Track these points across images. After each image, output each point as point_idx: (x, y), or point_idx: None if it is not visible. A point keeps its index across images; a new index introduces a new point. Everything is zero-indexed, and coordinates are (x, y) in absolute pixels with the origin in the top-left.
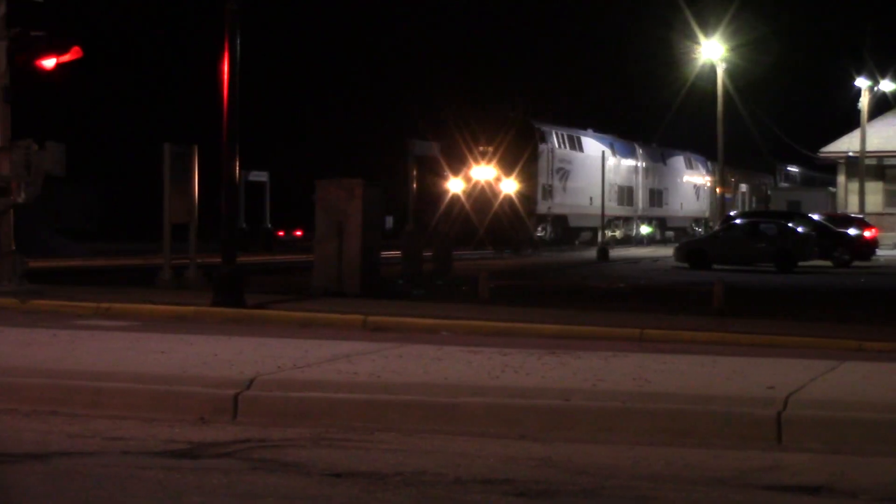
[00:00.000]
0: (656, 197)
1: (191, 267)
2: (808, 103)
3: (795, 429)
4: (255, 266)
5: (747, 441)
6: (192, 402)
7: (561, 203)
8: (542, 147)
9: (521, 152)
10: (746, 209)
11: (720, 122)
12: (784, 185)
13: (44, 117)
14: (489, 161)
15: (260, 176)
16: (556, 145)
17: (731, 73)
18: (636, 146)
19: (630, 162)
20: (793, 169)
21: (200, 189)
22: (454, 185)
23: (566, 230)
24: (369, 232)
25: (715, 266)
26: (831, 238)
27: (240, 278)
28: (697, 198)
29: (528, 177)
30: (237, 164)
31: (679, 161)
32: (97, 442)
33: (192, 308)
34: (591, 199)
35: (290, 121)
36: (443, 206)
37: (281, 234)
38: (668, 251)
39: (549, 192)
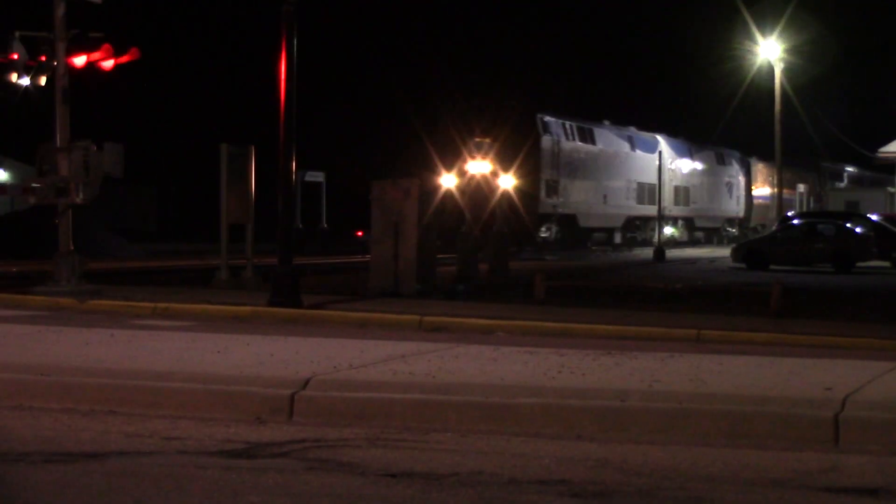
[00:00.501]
0: (682, 195)
1: (247, 267)
2: (863, 103)
3: (853, 430)
4: (312, 267)
5: (805, 442)
6: (249, 401)
7: (569, 201)
8: (546, 139)
9: (520, 144)
10: (802, 209)
11: (778, 121)
12: (840, 185)
13: (102, 118)
14: (485, 154)
15: (316, 176)
16: (563, 137)
17: (785, 71)
18: (659, 139)
19: (651, 156)
20: (845, 169)
21: (257, 189)
22: (447, 181)
23: (576, 231)
24: (425, 232)
25: (772, 266)
26: (890, 239)
27: (296, 279)
28: (731, 196)
29: (529, 171)
30: (294, 164)
31: (709, 156)
32: (154, 441)
33: (248, 308)
34: (605, 197)
35: (347, 120)
36: (434, 203)
37: (360, 234)
38: (725, 252)
39: (554, 189)
